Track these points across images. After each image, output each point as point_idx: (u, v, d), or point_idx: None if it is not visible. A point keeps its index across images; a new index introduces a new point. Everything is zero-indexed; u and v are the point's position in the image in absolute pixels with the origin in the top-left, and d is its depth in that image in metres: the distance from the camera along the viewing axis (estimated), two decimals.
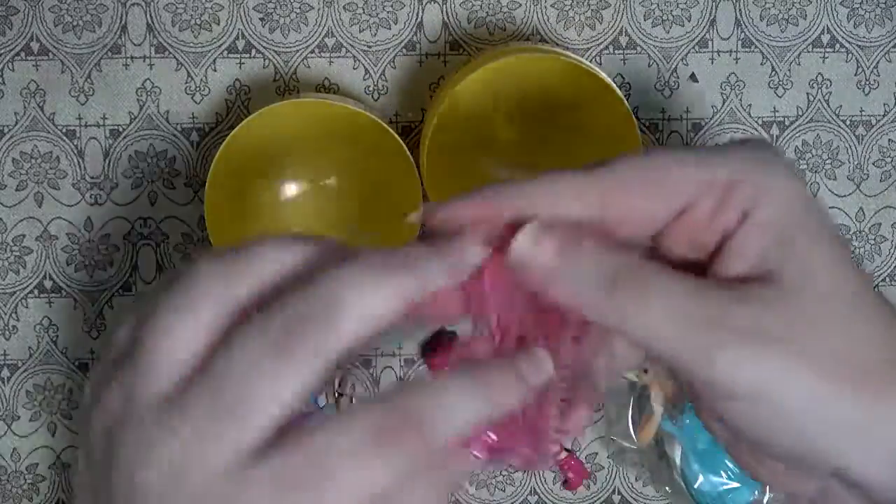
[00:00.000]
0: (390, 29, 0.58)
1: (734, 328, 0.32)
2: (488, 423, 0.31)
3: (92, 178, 0.58)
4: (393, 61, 0.58)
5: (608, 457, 0.61)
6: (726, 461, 0.58)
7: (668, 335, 0.32)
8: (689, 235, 0.35)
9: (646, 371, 0.58)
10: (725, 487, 0.58)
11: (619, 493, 0.62)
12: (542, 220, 0.34)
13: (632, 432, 0.60)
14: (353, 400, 0.60)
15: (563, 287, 0.34)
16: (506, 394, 0.32)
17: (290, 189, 0.58)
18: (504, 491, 0.61)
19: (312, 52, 0.58)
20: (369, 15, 0.58)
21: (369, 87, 0.58)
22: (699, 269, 0.35)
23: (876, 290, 0.34)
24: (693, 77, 0.59)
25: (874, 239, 0.60)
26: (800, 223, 0.33)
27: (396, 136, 0.52)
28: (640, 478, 0.62)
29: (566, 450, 0.61)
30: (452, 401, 0.31)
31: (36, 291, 0.58)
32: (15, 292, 0.58)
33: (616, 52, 0.59)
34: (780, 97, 0.60)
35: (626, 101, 0.52)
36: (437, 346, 0.59)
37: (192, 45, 0.58)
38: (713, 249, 0.35)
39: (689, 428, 0.58)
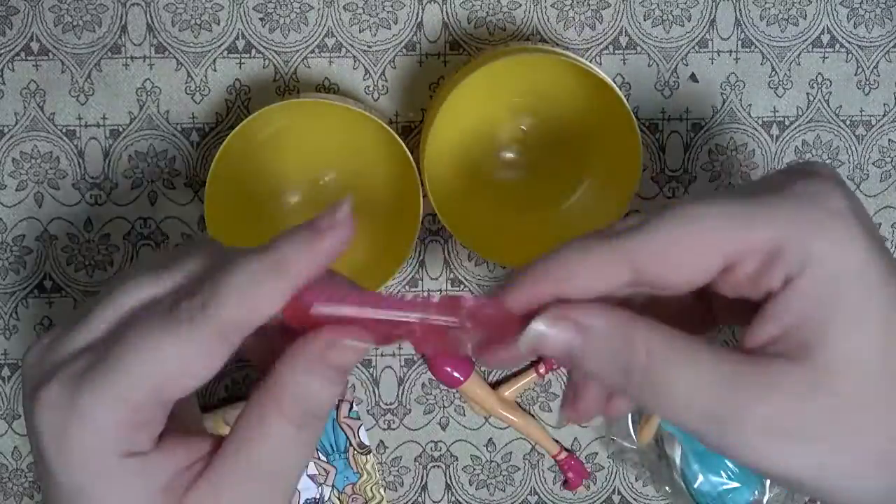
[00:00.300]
0: (390, 29, 0.58)
1: (756, 417, 0.30)
2: (294, 291, 0.31)
3: (92, 178, 0.58)
4: (393, 61, 0.58)
5: (608, 457, 0.62)
6: (726, 461, 0.58)
7: (687, 421, 0.31)
8: (731, 289, 0.33)
9: None
10: (725, 487, 0.58)
11: (619, 492, 0.62)
12: (553, 312, 0.33)
13: (632, 432, 0.60)
14: (354, 405, 0.60)
15: (584, 374, 0.33)
16: (300, 261, 0.32)
17: (290, 189, 0.58)
18: (504, 491, 0.61)
19: (312, 52, 0.58)
20: (369, 15, 0.58)
21: (369, 87, 0.58)
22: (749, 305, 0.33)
23: None
24: (693, 77, 0.59)
25: None
26: (847, 296, 0.30)
27: (396, 136, 0.52)
28: (640, 478, 0.62)
29: (566, 450, 0.61)
30: (242, 277, 0.31)
31: (36, 291, 0.58)
32: (15, 292, 0.58)
33: (616, 52, 0.59)
34: (780, 97, 0.60)
35: (626, 102, 0.52)
36: None
37: (192, 45, 0.57)
38: (760, 300, 0.32)
39: None
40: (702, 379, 0.31)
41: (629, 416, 0.60)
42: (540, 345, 0.33)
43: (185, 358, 0.31)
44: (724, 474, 0.58)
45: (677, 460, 0.59)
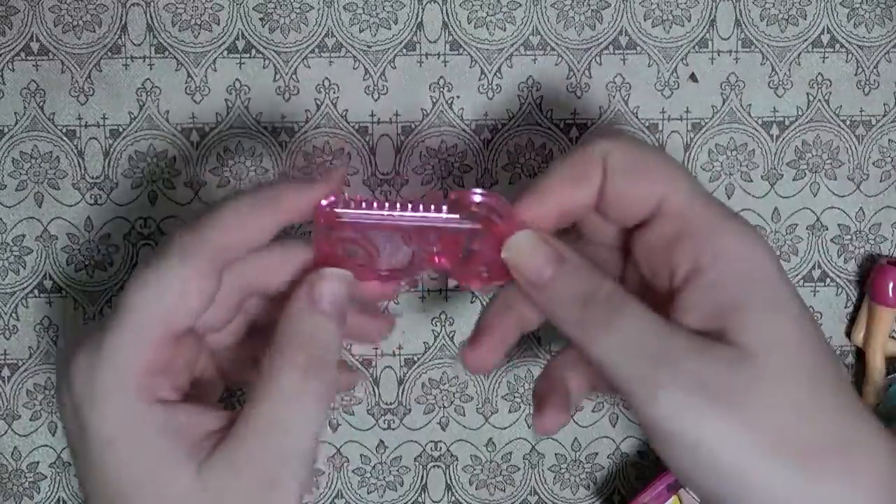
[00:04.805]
0: (390, 29, 0.58)
1: (683, 373, 0.32)
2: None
3: (92, 178, 0.58)
4: (393, 61, 0.58)
5: None
6: None
7: (620, 364, 0.33)
8: (647, 255, 0.37)
9: None
10: None
11: (619, 492, 0.62)
12: (538, 232, 0.37)
13: None
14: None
15: (544, 298, 0.35)
16: (292, 198, 0.37)
17: None
18: (504, 491, 0.61)
19: (312, 52, 0.58)
20: (369, 15, 0.58)
21: (369, 87, 0.58)
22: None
23: (839, 365, 0.34)
24: (693, 77, 0.59)
25: (874, 239, 0.60)
26: (756, 291, 0.34)
27: None
28: None
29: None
30: (238, 205, 0.37)
31: (36, 291, 0.58)
32: (15, 292, 0.58)
33: (616, 52, 0.59)
34: (780, 97, 0.60)
35: None
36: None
37: (192, 45, 0.58)
38: (669, 287, 0.36)
39: None
40: (648, 326, 0.33)
41: None
42: (520, 256, 0.36)
43: (181, 284, 0.34)
44: None
45: None
